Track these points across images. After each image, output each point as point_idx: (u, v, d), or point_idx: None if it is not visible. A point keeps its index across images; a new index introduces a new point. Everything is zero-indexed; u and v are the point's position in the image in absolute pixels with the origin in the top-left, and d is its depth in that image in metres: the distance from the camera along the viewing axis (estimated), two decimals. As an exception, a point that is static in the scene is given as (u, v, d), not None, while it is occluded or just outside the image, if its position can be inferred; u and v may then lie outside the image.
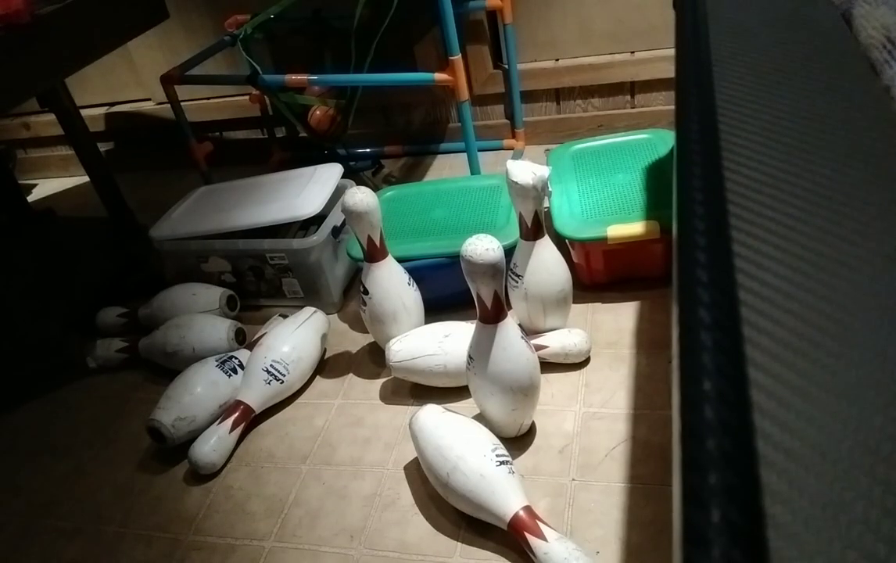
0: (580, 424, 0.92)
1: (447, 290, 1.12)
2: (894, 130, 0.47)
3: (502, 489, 0.79)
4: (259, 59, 1.59)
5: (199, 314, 1.18)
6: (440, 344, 0.99)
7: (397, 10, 1.19)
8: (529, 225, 0.95)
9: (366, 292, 1.03)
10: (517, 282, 1.00)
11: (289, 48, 1.61)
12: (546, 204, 1.01)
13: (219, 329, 1.13)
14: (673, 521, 0.29)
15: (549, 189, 0.94)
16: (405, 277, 1.04)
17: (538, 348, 0.99)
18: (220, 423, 0.99)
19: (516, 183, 0.92)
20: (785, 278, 0.36)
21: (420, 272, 1.09)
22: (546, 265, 0.98)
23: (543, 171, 0.92)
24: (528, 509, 0.77)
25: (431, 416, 0.87)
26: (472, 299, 0.84)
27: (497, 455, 0.81)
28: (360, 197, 0.97)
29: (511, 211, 1.14)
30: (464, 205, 1.20)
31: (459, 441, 0.83)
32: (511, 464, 0.82)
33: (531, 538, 0.75)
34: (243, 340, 1.16)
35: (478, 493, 0.79)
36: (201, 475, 0.98)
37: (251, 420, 1.03)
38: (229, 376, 1.05)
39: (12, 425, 1.17)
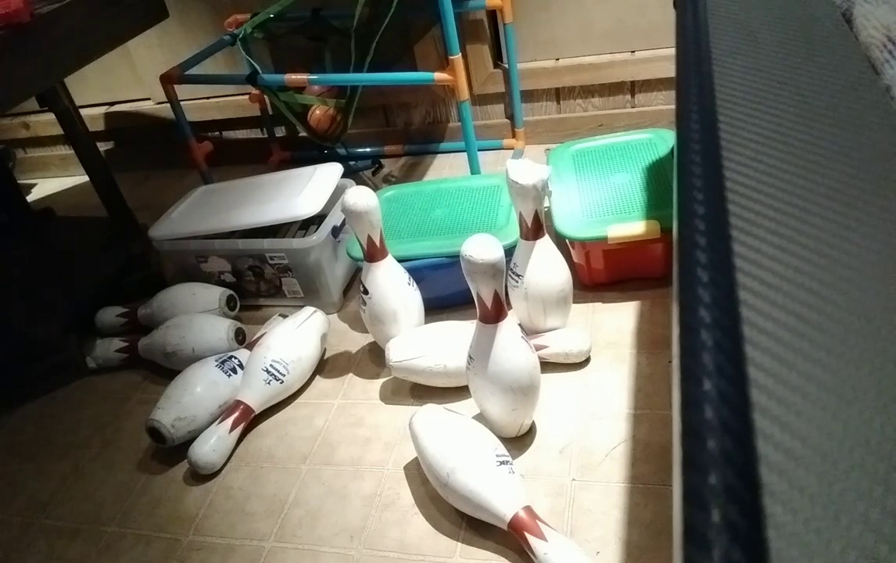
0: (580, 424, 0.91)
1: (447, 290, 1.12)
2: (894, 129, 0.47)
3: (502, 489, 0.79)
4: (259, 59, 1.59)
5: (199, 314, 1.17)
6: (440, 344, 0.99)
7: (397, 9, 1.19)
8: (529, 225, 0.95)
9: (366, 291, 1.03)
10: (517, 282, 1.00)
11: (288, 48, 1.61)
12: (546, 204, 1.01)
13: (218, 329, 1.13)
14: (673, 521, 0.29)
15: (550, 189, 0.94)
16: (405, 277, 1.04)
17: (538, 347, 0.99)
18: (219, 423, 0.99)
19: (516, 183, 0.92)
20: (785, 278, 0.36)
21: (420, 272, 1.09)
22: (546, 265, 0.98)
23: (544, 170, 0.92)
24: (528, 509, 0.77)
25: (432, 416, 0.87)
26: (472, 298, 0.84)
27: (497, 455, 0.81)
28: (360, 196, 0.97)
29: (511, 211, 1.14)
30: (464, 205, 1.20)
31: (459, 441, 0.83)
32: (511, 464, 0.82)
33: (531, 539, 0.75)
34: (243, 340, 1.16)
35: (478, 493, 0.79)
36: (201, 475, 0.98)
37: (251, 420, 1.03)
38: (229, 375, 1.05)
39: (12, 425, 1.17)
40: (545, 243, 0.98)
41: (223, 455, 0.98)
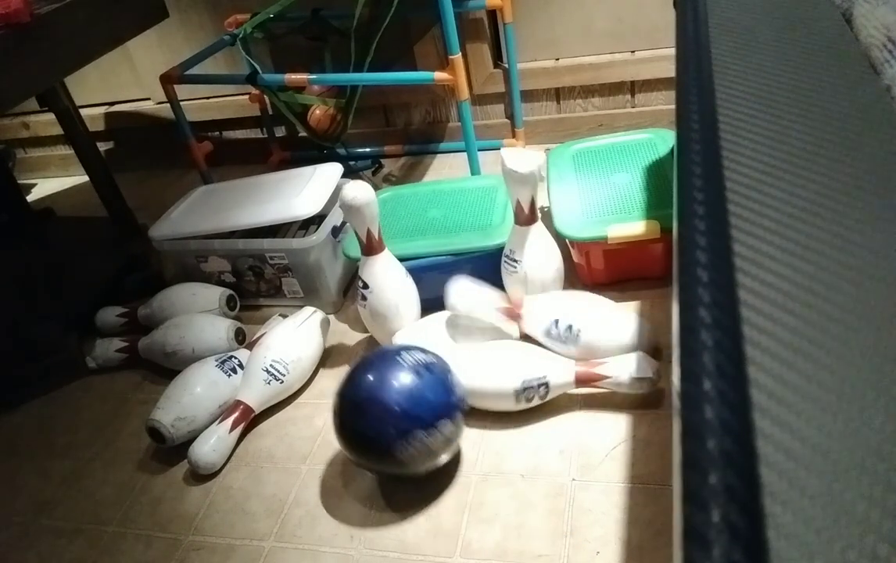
0: (580, 424, 0.91)
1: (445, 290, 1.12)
2: (894, 129, 0.47)
3: (554, 364, 0.90)
4: (259, 59, 1.59)
5: (199, 314, 1.17)
6: (447, 332, 1.00)
7: (397, 9, 1.19)
8: (526, 211, 0.98)
9: (365, 286, 1.03)
10: (515, 267, 1.01)
11: (288, 47, 1.61)
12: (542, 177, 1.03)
13: (218, 329, 1.13)
14: (673, 521, 0.29)
15: (542, 175, 0.97)
16: (402, 269, 1.05)
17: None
18: (219, 423, 0.99)
19: (513, 171, 0.94)
20: (785, 278, 0.36)
21: (417, 272, 1.09)
22: (543, 249, 1.01)
23: (539, 156, 0.94)
24: (577, 368, 0.90)
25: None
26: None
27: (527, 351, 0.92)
28: (359, 191, 0.98)
29: (506, 210, 1.14)
30: (460, 205, 1.20)
31: (496, 365, 0.92)
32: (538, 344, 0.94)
33: (598, 372, 0.89)
34: (243, 339, 1.16)
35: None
36: (201, 475, 0.98)
37: (251, 420, 1.03)
38: (229, 376, 1.05)
39: (12, 425, 1.17)
40: (540, 228, 1.01)
41: (223, 455, 0.98)
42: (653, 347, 0.95)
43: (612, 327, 0.94)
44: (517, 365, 0.90)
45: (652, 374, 0.88)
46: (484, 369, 0.91)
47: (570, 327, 0.94)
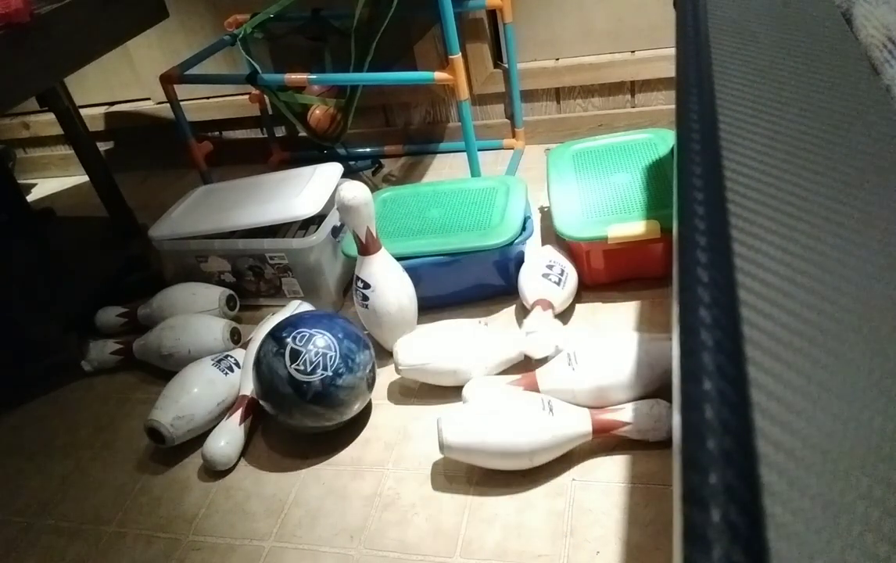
0: (580, 423, 0.91)
1: (444, 289, 1.12)
2: (894, 129, 0.47)
3: (569, 418, 0.85)
4: (258, 59, 1.59)
5: (193, 315, 1.17)
6: (450, 344, 0.99)
7: (397, 9, 1.19)
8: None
9: (367, 286, 1.03)
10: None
11: (288, 48, 1.61)
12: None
13: (213, 329, 1.13)
14: (673, 521, 0.29)
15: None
16: (399, 266, 1.06)
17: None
18: (227, 418, 1.00)
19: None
20: (785, 278, 0.36)
21: (416, 272, 1.09)
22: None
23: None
24: (593, 415, 0.85)
25: (463, 423, 0.86)
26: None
27: (542, 399, 0.86)
28: (357, 190, 0.98)
29: (506, 211, 1.13)
30: (460, 205, 1.20)
31: (511, 417, 0.86)
32: (549, 398, 0.87)
33: (614, 420, 0.85)
34: (238, 339, 1.16)
35: (562, 437, 0.84)
36: (206, 475, 0.98)
37: (258, 412, 1.03)
38: (226, 374, 1.05)
39: (12, 425, 1.17)
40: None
41: (237, 448, 0.98)
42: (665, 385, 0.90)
43: (623, 373, 0.89)
44: (533, 426, 0.84)
45: (667, 432, 0.86)
46: (498, 431, 0.84)
47: (590, 390, 0.90)
